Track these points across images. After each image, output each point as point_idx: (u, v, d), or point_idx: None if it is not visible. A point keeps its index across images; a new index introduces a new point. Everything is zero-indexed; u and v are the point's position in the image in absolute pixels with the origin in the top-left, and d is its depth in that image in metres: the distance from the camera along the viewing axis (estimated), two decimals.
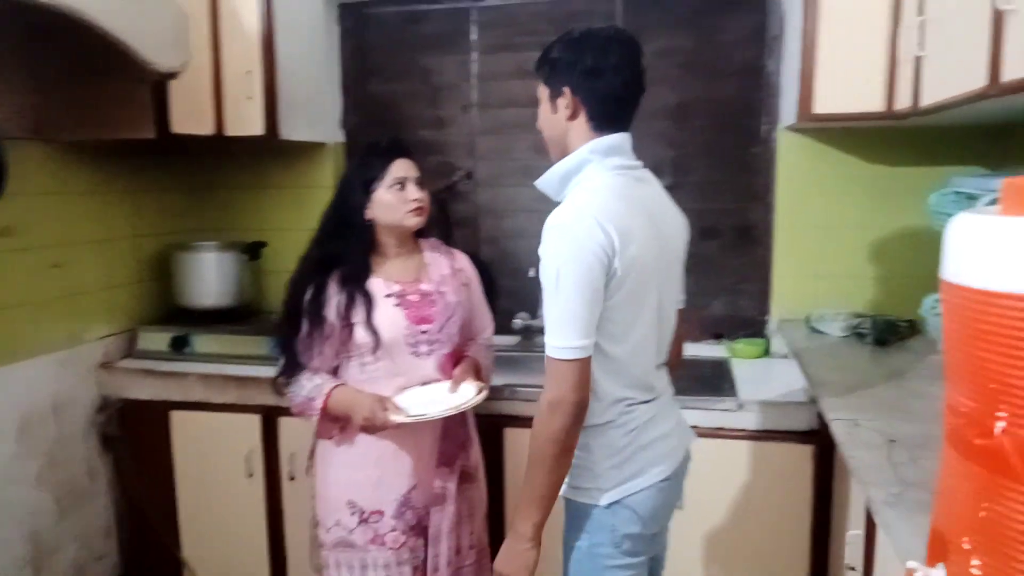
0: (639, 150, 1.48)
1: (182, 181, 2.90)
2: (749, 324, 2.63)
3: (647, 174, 1.51)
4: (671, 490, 1.51)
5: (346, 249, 1.77)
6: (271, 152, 2.85)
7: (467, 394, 1.76)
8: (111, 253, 2.58)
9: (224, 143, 2.52)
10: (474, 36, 2.79)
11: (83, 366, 2.45)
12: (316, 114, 2.75)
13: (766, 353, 2.49)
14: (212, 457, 2.43)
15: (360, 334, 1.74)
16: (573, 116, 1.43)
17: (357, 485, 1.79)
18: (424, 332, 1.79)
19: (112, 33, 1.84)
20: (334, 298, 1.75)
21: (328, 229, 1.81)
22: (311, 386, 1.76)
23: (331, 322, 1.75)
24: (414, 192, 1.77)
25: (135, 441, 2.51)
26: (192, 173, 2.94)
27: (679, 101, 2.65)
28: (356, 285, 1.76)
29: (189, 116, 2.33)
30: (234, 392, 2.37)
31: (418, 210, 1.78)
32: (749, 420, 2.03)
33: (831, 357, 2.10)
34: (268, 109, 2.44)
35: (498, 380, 2.23)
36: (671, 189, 1.57)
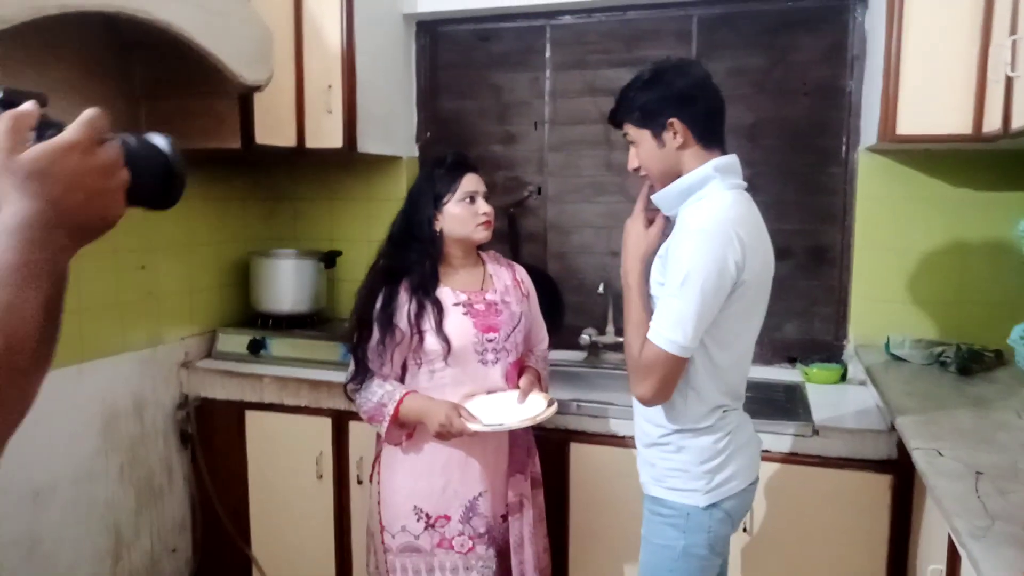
0: None
1: (260, 191, 3.01)
2: (824, 348, 2.56)
3: (749, 195, 1.55)
4: (752, 494, 1.59)
5: (415, 259, 1.81)
6: (346, 164, 2.92)
7: (538, 406, 1.78)
8: (193, 258, 2.68)
9: (302, 155, 2.60)
10: (548, 53, 2.82)
11: (165, 365, 2.54)
12: (392, 129, 2.81)
13: (843, 379, 2.41)
14: (283, 458, 2.49)
15: (431, 341, 1.77)
16: (684, 145, 1.47)
17: (423, 491, 1.81)
18: (491, 340, 1.82)
19: (203, 47, 1.92)
20: (404, 306, 1.78)
21: (397, 240, 1.85)
22: (382, 392, 1.79)
23: (402, 329, 1.78)
24: (484, 206, 1.82)
25: (210, 439, 2.60)
26: (269, 184, 3.03)
27: (753, 120, 2.62)
28: (426, 294, 1.79)
29: (272, 128, 2.39)
30: (307, 395, 2.43)
31: (487, 223, 1.83)
32: (824, 446, 1.97)
33: (911, 384, 2.02)
34: (347, 123, 2.50)
35: (564, 395, 2.23)
36: None
